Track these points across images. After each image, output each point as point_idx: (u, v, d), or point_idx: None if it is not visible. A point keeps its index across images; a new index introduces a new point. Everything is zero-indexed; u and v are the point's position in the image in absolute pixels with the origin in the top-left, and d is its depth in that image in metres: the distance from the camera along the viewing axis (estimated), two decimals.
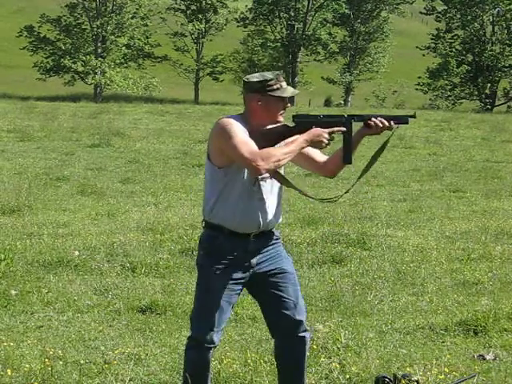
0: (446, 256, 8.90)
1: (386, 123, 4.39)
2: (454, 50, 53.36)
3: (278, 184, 4.47)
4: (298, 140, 4.28)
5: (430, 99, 51.42)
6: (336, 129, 4.37)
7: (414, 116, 4.48)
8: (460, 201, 12.92)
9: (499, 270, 8.33)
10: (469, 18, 51.89)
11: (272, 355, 5.47)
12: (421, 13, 57.90)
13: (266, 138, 4.32)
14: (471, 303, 7.15)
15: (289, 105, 4.41)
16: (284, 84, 4.35)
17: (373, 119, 4.39)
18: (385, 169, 16.27)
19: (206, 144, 4.48)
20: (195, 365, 4.48)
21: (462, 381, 5.17)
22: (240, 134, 4.22)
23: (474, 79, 52.11)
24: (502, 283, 7.81)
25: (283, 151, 4.23)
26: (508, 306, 6.90)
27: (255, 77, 4.36)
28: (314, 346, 5.59)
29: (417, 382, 5.04)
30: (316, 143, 4.32)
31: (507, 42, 52.16)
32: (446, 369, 5.33)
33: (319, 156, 4.54)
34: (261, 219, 4.38)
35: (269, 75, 4.34)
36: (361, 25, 53.43)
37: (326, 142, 4.32)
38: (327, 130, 4.33)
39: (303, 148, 4.31)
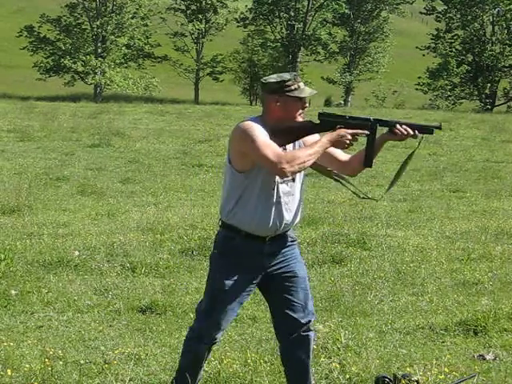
0: (446, 256, 8.90)
1: (411, 132, 4.41)
2: (454, 50, 53.36)
3: (299, 186, 4.48)
4: (322, 140, 4.29)
5: (430, 99, 51.42)
6: (360, 131, 4.36)
7: (439, 127, 4.48)
8: (460, 201, 12.92)
9: (499, 269, 8.33)
10: (469, 17, 51.89)
11: (272, 355, 5.49)
12: (421, 13, 57.89)
13: (290, 132, 4.33)
14: (471, 303, 7.15)
15: (307, 105, 4.42)
16: (302, 84, 4.36)
17: (398, 127, 4.39)
18: (385, 169, 16.27)
19: (229, 146, 4.46)
20: (190, 357, 4.53)
21: (462, 381, 5.17)
22: (262, 137, 4.23)
23: (474, 79, 52.11)
24: (502, 283, 7.81)
25: (307, 153, 4.23)
26: (508, 306, 6.90)
27: (273, 78, 4.37)
28: (314, 346, 5.58)
29: (417, 381, 5.04)
30: (338, 143, 4.33)
31: (507, 41, 52.15)
32: (446, 369, 5.33)
33: (341, 155, 4.54)
34: (278, 223, 4.39)
35: (286, 76, 4.35)
36: (361, 25, 53.41)
37: (349, 142, 4.33)
38: (351, 132, 4.33)
39: (327, 148, 4.32)
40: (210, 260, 4.57)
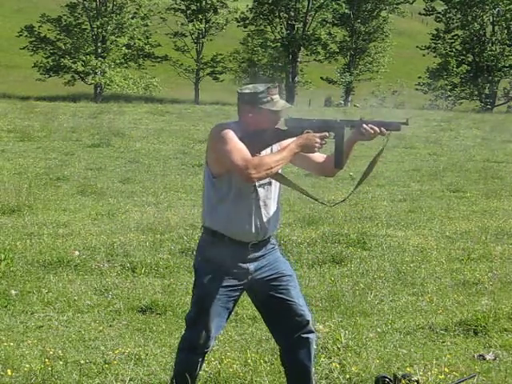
0: (446, 256, 8.90)
1: (377, 130, 4.37)
2: (454, 50, 53.37)
3: (277, 190, 4.47)
4: (290, 146, 4.28)
5: (430, 99, 51.42)
6: (327, 133, 4.36)
7: (406, 123, 4.43)
8: (460, 201, 12.92)
9: (499, 269, 8.33)
10: (469, 18, 51.88)
11: (272, 355, 5.49)
12: (420, 13, 57.87)
13: (258, 141, 4.32)
14: (471, 303, 7.15)
15: (282, 118, 4.39)
16: (276, 97, 4.32)
17: (364, 126, 4.37)
18: (385, 169, 16.27)
19: (206, 149, 4.47)
20: (184, 366, 4.50)
21: (462, 381, 5.17)
22: (234, 141, 4.22)
23: (474, 79, 52.11)
24: (502, 283, 7.81)
25: (275, 159, 4.23)
26: (508, 306, 6.90)
27: (248, 88, 4.35)
28: (314, 346, 5.58)
29: (417, 381, 5.04)
30: (307, 147, 4.32)
31: (507, 41, 52.17)
32: (445, 369, 5.33)
33: (318, 157, 4.53)
34: (259, 227, 4.37)
35: (260, 88, 4.32)
36: (361, 25, 53.42)
37: (318, 146, 4.33)
38: (318, 135, 4.33)
39: (296, 153, 4.30)
40: (193, 268, 4.55)
